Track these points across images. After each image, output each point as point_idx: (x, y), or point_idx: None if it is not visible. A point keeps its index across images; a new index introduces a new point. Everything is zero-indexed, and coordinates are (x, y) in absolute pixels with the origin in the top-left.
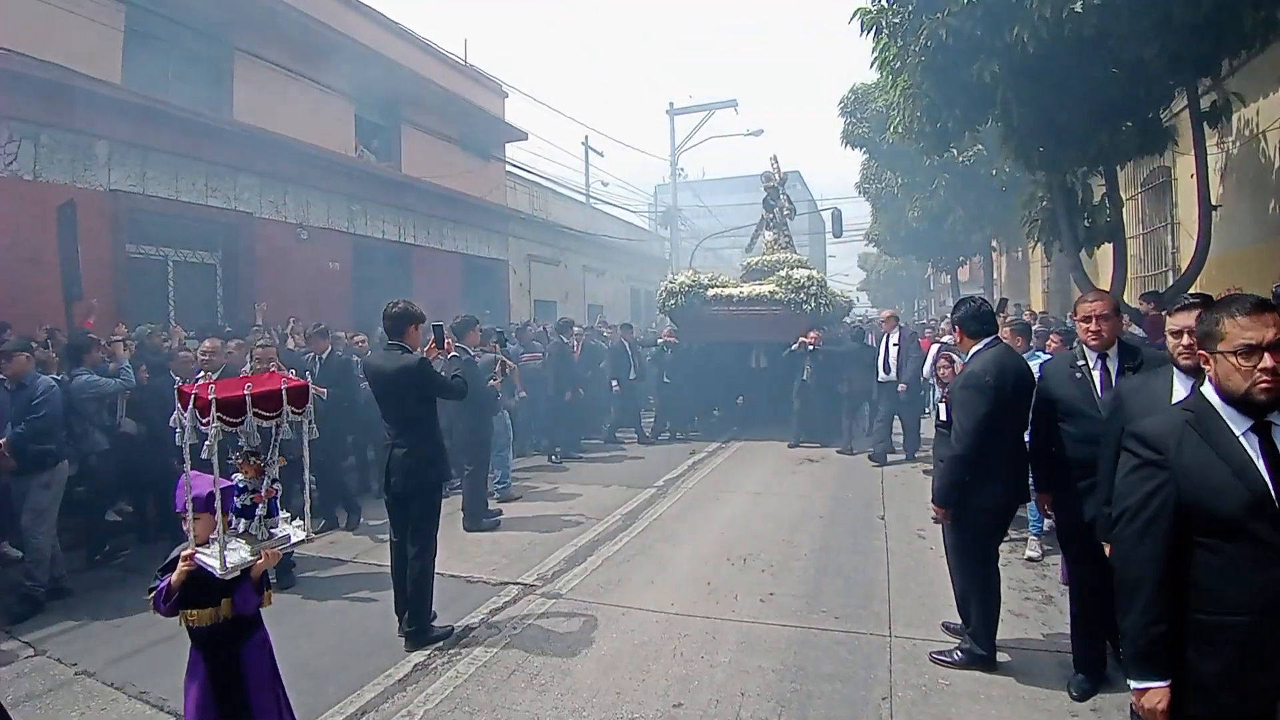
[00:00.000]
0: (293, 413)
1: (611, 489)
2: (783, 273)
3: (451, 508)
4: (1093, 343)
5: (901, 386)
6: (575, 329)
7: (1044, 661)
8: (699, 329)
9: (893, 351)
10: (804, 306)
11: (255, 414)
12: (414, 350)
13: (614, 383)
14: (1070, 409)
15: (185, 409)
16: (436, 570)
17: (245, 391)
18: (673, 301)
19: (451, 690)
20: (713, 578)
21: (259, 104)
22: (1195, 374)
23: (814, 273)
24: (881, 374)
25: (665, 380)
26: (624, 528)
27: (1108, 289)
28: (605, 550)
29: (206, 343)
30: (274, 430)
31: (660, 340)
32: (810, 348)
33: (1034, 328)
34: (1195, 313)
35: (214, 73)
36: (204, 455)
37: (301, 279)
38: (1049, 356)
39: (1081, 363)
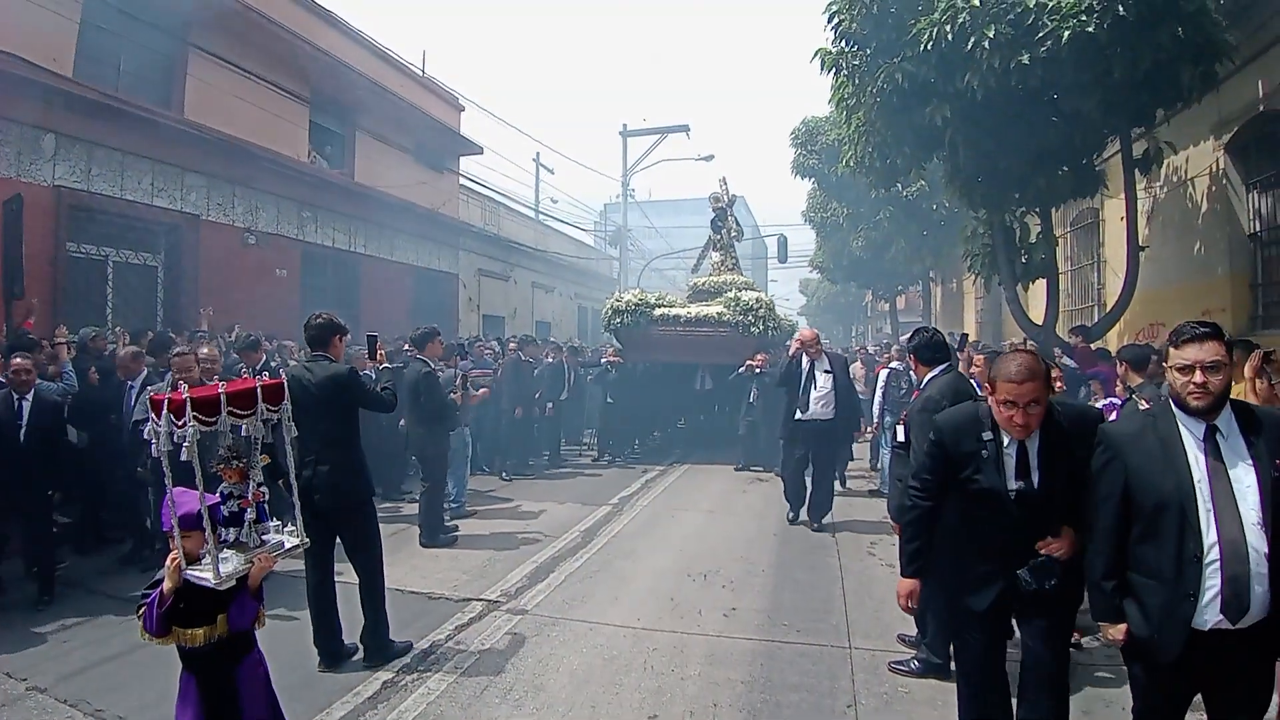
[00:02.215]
0: (268, 410)
1: (567, 506)
2: (731, 294)
3: (406, 523)
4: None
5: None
6: (535, 346)
7: None
8: (644, 349)
9: (820, 381)
10: (752, 329)
11: (230, 413)
12: (338, 361)
13: (549, 404)
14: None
15: (159, 416)
16: (395, 587)
17: (220, 390)
18: (618, 320)
19: (424, 707)
20: (675, 593)
21: (212, 104)
22: (1206, 415)
23: (762, 295)
24: (800, 413)
25: (609, 401)
26: (583, 544)
27: (1040, 322)
28: (567, 566)
29: (205, 349)
30: (252, 432)
31: (604, 360)
32: (758, 370)
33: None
34: (1212, 344)
35: (167, 70)
36: (183, 458)
37: (247, 285)
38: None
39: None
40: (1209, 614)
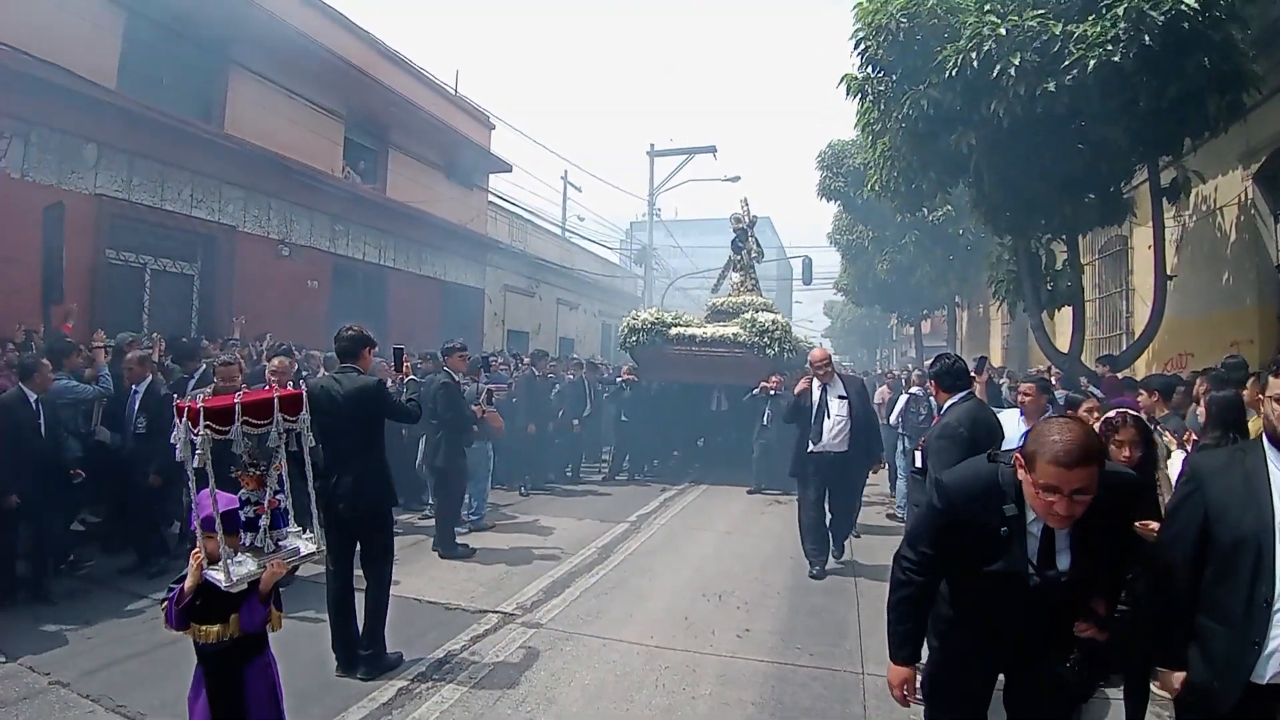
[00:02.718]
0: (286, 420)
1: (585, 522)
2: (747, 315)
3: (425, 534)
4: None
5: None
6: (548, 361)
7: None
8: (660, 368)
9: (834, 409)
10: (767, 350)
11: (246, 422)
12: (366, 373)
13: (575, 421)
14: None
15: (181, 421)
16: (413, 597)
17: (235, 400)
18: (634, 339)
19: (438, 715)
20: (690, 613)
21: (251, 118)
22: None
23: (779, 317)
24: (812, 444)
25: (623, 419)
26: (600, 560)
27: (1066, 350)
28: (583, 582)
29: (275, 361)
30: (274, 440)
31: (620, 379)
32: (771, 393)
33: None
34: None
35: (208, 85)
36: (195, 464)
37: (279, 295)
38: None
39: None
40: (1271, 666)
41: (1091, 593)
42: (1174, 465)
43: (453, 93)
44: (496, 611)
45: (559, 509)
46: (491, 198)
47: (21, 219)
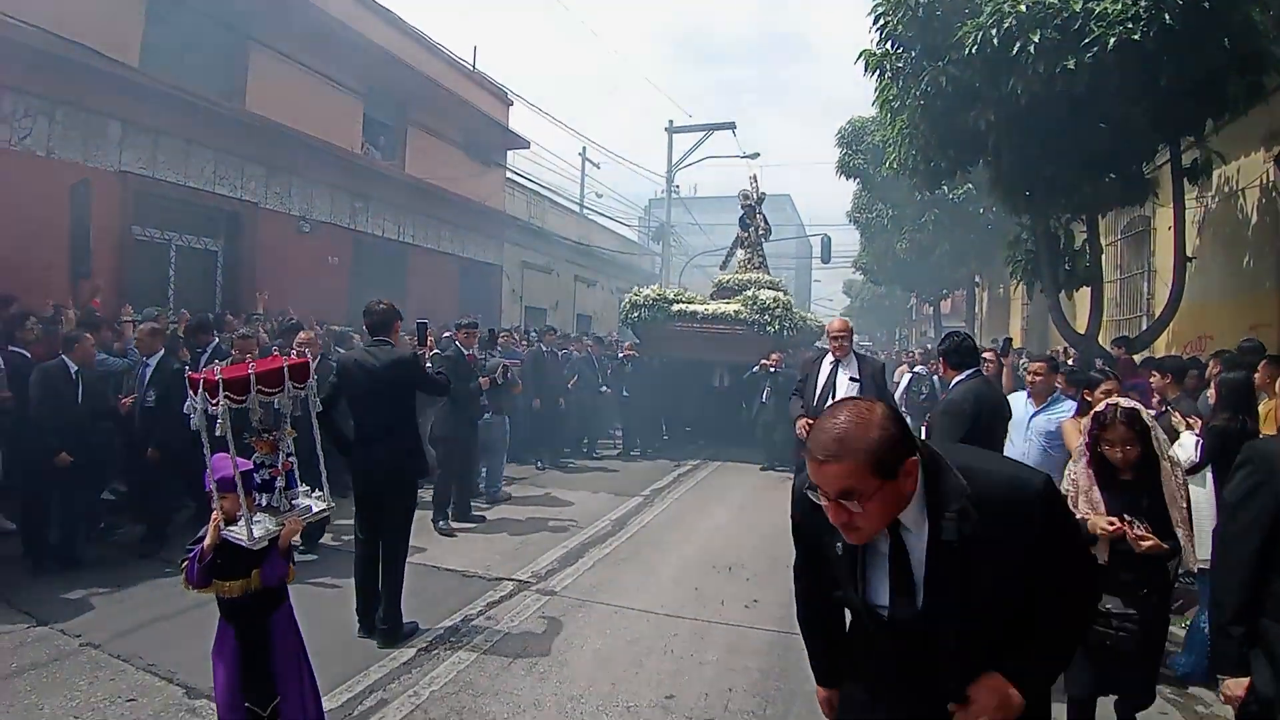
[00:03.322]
0: (294, 387)
1: (599, 496)
2: (749, 292)
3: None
4: None
5: None
6: (552, 334)
7: None
8: (661, 344)
9: (841, 391)
10: (768, 328)
11: (260, 390)
12: (399, 347)
13: (604, 388)
14: None
15: (196, 393)
16: (432, 564)
17: (250, 370)
18: (636, 314)
19: (455, 674)
20: (700, 583)
21: (272, 96)
22: None
23: (780, 294)
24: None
25: (624, 395)
26: (613, 533)
27: (1084, 330)
28: (596, 553)
29: (302, 334)
30: (285, 406)
31: (621, 354)
32: (771, 370)
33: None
34: None
35: (230, 63)
36: (218, 433)
37: (300, 271)
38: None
39: None
40: None
41: (976, 643)
42: (1184, 447)
43: (471, 69)
44: (512, 579)
45: (574, 483)
46: (510, 174)
47: (48, 196)
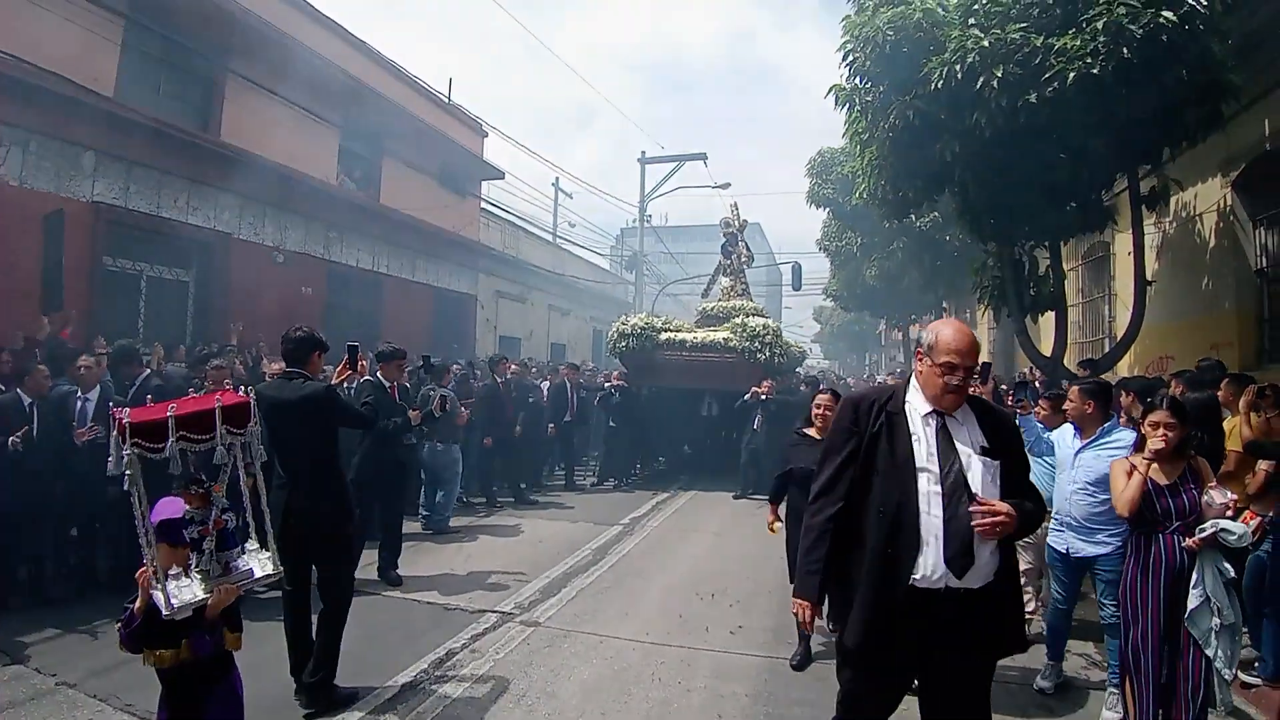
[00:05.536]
0: (229, 432)
1: (579, 525)
2: (738, 320)
3: (418, 539)
4: None
5: None
6: (508, 365)
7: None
8: (650, 373)
9: (978, 479)
10: (758, 355)
11: (183, 437)
12: (315, 379)
13: (550, 426)
14: None
15: (113, 435)
16: (412, 598)
17: (168, 413)
18: (624, 344)
19: (442, 709)
20: (684, 610)
21: (247, 126)
22: None
23: (769, 321)
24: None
25: (611, 425)
26: (595, 561)
27: (1049, 353)
28: (579, 582)
29: (275, 366)
30: (220, 456)
31: (608, 384)
32: (763, 397)
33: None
34: None
35: (205, 92)
36: (125, 487)
37: (274, 302)
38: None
39: None
40: None
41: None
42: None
43: (446, 100)
44: (495, 611)
45: (553, 513)
46: (484, 204)
47: (20, 226)
